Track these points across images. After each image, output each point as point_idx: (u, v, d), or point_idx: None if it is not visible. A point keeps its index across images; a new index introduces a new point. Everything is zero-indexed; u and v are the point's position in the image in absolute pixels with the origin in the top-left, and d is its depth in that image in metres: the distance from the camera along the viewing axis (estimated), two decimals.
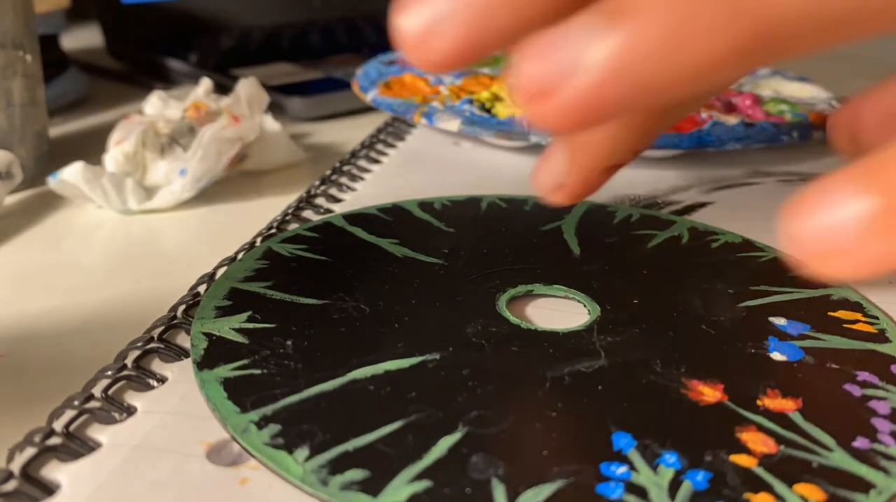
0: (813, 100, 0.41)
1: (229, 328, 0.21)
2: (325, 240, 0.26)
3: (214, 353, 0.20)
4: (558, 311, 0.23)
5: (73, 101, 0.45)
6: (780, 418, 0.18)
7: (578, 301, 0.23)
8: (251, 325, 0.21)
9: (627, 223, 0.28)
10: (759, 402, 0.18)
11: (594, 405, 0.18)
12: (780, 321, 0.22)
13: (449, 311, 0.22)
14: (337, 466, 0.16)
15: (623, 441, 0.17)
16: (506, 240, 0.26)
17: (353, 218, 0.27)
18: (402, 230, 0.27)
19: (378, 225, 0.27)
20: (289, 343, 0.20)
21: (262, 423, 0.17)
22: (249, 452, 0.16)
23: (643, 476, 0.16)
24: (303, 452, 0.16)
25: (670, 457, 0.16)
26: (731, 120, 0.35)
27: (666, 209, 0.30)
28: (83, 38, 0.62)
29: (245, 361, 0.19)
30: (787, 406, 0.18)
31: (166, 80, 0.50)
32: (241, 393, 0.18)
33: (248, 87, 0.35)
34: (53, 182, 0.29)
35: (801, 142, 0.36)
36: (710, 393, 0.19)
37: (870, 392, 0.19)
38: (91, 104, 0.46)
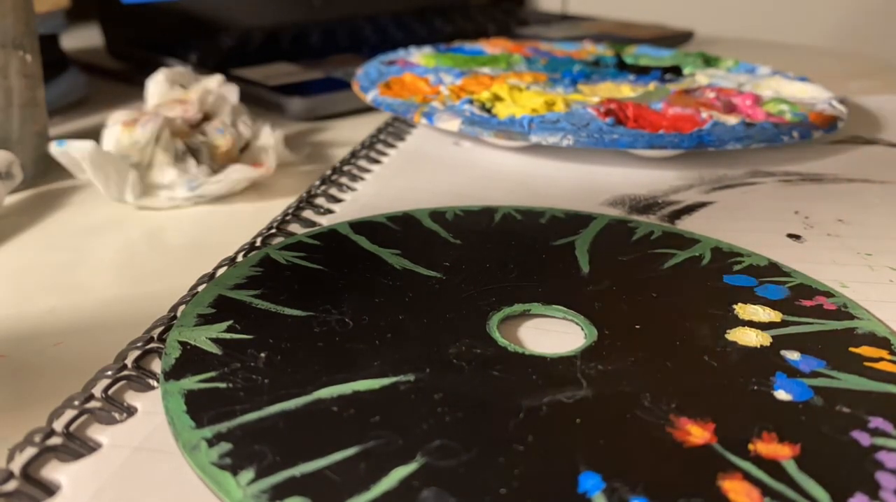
0: (813, 100, 0.41)
1: (206, 338, 0.20)
2: (326, 249, 0.25)
3: (185, 364, 0.19)
4: (554, 333, 0.21)
5: (73, 101, 0.45)
6: (772, 466, 0.16)
7: (576, 323, 0.22)
8: (229, 336, 0.20)
9: (647, 240, 0.26)
10: (750, 446, 0.17)
11: (567, 440, 0.17)
12: (792, 355, 0.20)
13: (435, 329, 0.21)
14: (279, 492, 0.15)
15: (590, 482, 0.16)
16: (513, 254, 0.25)
17: (360, 226, 0.27)
18: (408, 240, 0.26)
19: (384, 234, 0.26)
20: (262, 356, 0.19)
21: (213, 441, 0.16)
22: (195, 471, 0.16)
23: None
24: (248, 475, 0.16)
25: None
26: (732, 120, 0.35)
27: (666, 209, 0.30)
28: (83, 38, 0.62)
29: (213, 373, 0.19)
30: (782, 452, 0.17)
31: None
32: (200, 408, 0.17)
33: (277, 137, 0.35)
34: (58, 149, 0.29)
35: (802, 142, 0.36)
36: (697, 434, 0.17)
37: (880, 441, 0.17)
38: (91, 104, 0.46)
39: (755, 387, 0.19)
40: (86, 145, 0.29)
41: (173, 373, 0.19)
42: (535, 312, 0.22)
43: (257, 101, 0.43)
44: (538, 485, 0.16)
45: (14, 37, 0.31)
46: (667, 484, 0.16)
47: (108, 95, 0.48)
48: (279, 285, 0.23)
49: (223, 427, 0.17)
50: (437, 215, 0.28)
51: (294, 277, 0.23)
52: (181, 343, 0.20)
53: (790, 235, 0.28)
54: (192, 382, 0.18)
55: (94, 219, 0.30)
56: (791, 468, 0.16)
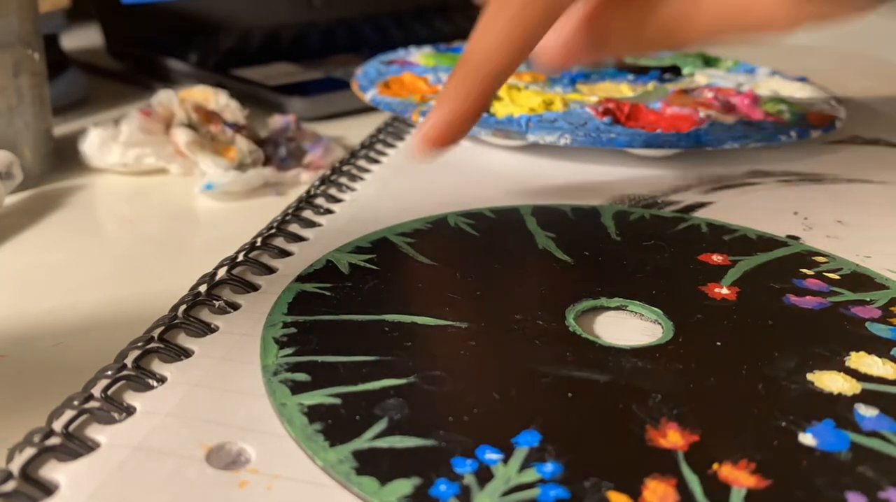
0: (812, 99, 0.41)
1: (347, 261, 0.25)
2: (499, 222, 0.28)
3: (318, 273, 0.24)
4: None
5: (73, 100, 0.45)
6: (719, 489, 0.16)
7: (661, 326, 0.22)
8: (363, 263, 0.25)
9: (825, 277, 0.24)
10: (714, 466, 0.16)
11: (543, 404, 0.18)
12: (866, 411, 0.18)
13: (523, 298, 0.23)
14: (295, 367, 0.19)
15: (527, 438, 0.17)
16: (653, 256, 0.25)
17: (541, 211, 0.29)
18: (569, 228, 0.28)
19: (555, 219, 0.29)
20: (372, 282, 0.23)
21: (287, 324, 0.21)
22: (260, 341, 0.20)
23: (505, 468, 0.16)
24: (287, 350, 0.20)
25: (549, 467, 0.16)
26: (730, 119, 0.35)
27: (666, 209, 0.30)
28: (83, 38, 0.62)
29: (329, 285, 0.23)
30: (744, 481, 0.16)
31: (166, 80, 0.50)
32: (301, 303, 0.22)
33: None
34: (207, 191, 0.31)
35: (801, 142, 0.37)
36: (672, 439, 0.17)
37: None
38: (91, 104, 0.46)
39: (782, 424, 0.18)
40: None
41: (303, 278, 0.24)
42: (633, 309, 0.23)
43: (257, 101, 0.43)
44: (482, 426, 0.17)
45: (21, 35, 0.31)
46: (594, 464, 0.16)
47: (108, 95, 0.48)
48: (434, 240, 0.26)
49: (301, 318, 0.21)
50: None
51: (453, 237, 0.27)
52: (328, 261, 0.25)
53: (790, 236, 0.28)
54: (310, 286, 0.23)
55: (94, 218, 0.30)
56: (737, 498, 0.16)
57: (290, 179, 0.33)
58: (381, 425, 0.17)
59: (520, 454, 0.17)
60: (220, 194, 0.31)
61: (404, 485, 0.16)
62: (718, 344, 0.21)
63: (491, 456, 0.17)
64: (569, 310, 0.22)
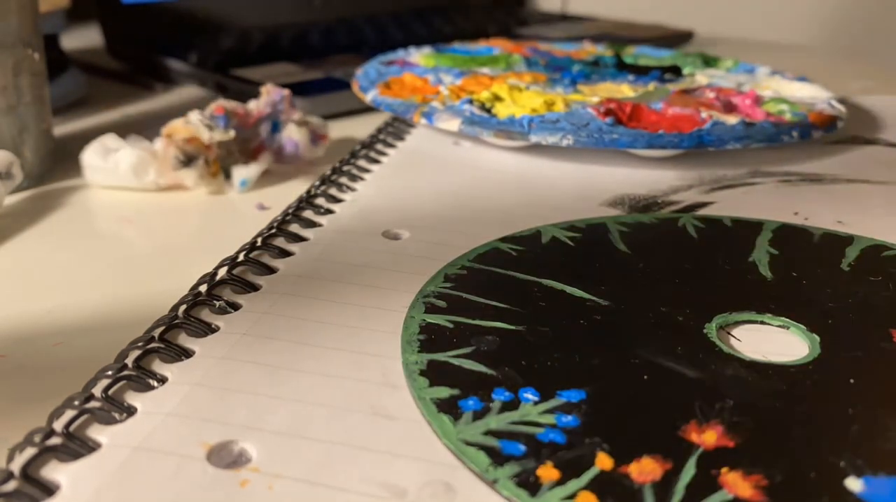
0: (813, 99, 0.41)
1: (552, 235, 0.26)
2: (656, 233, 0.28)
3: (519, 238, 0.26)
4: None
5: (73, 101, 0.45)
6: (705, 488, 0.15)
7: (807, 346, 0.21)
8: (565, 237, 0.26)
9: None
10: (724, 470, 0.16)
11: (610, 376, 0.19)
12: None
13: (689, 297, 0.23)
14: (442, 296, 0.22)
15: (573, 394, 0.18)
16: (716, 264, 0.25)
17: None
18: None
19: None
20: (559, 252, 0.25)
21: (465, 267, 0.24)
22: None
23: (531, 407, 0.18)
24: (448, 284, 0.23)
25: (569, 418, 0.17)
26: (732, 119, 0.35)
27: (666, 209, 0.30)
28: (83, 38, 0.62)
29: (522, 247, 0.25)
30: (742, 492, 0.15)
31: (166, 80, 0.50)
32: (490, 255, 0.25)
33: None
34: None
35: (802, 142, 0.37)
36: (706, 438, 0.17)
37: None
38: (91, 104, 0.46)
39: (839, 463, 0.16)
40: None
41: (505, 239, 0.26)
42: (769, 322, 0.22)
43: None
44: (542, 374, 0.19)
45: (22, 35, 0.31)
46: (610, 431, 0.17)
47: (108, 95, 0.48)
48: (645, 234, 0.27)
49: (477, 265, 0.24)
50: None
51: (667, 236, 0.27)
52: (537, 230, 0.27)
53: None
54: (506, 246, 0.26)
55: (93, 219, 0.30)
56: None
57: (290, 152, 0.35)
58: (465, 349, 0.20)
59: (554, 402, 0.18)
60: (251, 186, 0.33)
61: (443, 391, 0.18)
62: (851, 381, 0.19)
63: (528, 396, 0.18)
64: (720, 316, 0.22)
